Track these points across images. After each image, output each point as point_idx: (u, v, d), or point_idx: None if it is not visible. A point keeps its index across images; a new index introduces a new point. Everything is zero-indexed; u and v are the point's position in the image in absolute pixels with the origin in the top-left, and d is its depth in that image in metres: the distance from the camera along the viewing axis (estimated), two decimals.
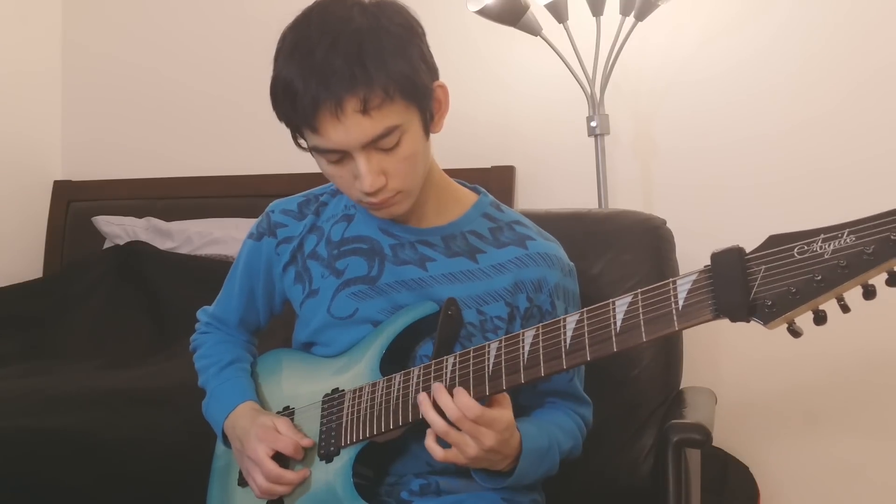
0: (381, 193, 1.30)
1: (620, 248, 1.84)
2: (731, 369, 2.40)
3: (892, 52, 2.31)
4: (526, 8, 2.25)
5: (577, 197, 2.50)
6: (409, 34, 1.28)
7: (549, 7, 2.27)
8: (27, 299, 2.59)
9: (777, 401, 2.40)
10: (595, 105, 2.32)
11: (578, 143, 2.44)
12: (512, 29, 2.27)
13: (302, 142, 1.33)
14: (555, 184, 2.59)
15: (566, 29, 2.29)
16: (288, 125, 1.32)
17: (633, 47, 2.34)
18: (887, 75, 2.31)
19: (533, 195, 2.62)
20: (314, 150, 1.30)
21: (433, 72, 1.32)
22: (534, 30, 2.28)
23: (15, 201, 2.95)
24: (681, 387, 1.88)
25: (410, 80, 1.25)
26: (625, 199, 2.50)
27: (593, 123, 2.32)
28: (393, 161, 1.28)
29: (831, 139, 2.35)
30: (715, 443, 1.86)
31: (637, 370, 1.80)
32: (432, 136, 1.36)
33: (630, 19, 2.26)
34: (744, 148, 2.43)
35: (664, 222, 1.92)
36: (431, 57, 1.32)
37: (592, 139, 2.34)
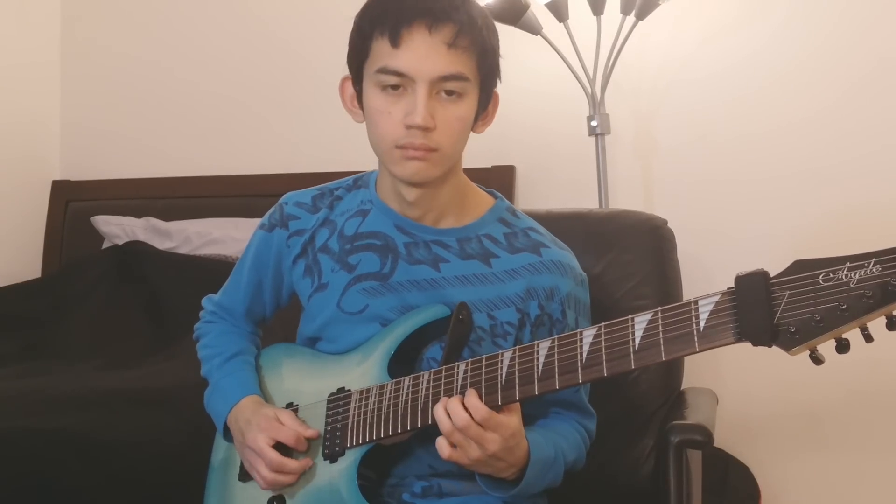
0: (422, 138, 1.29)
1: (621, 248, 1.84)
2: (733, 370, 2.40)
3: (891, 48, 2.31)
4: (526, 7, 2.24)
5: (578, 197, 2.49)
6: (497, 38, 1.37)
7: (549, 6, 2.26)
8: (26, 299, 2.59)
9: (778, 401, 2.40)
10: (595, 104, 2.31)
11: (579, 142, 2.44)
12: (512, 28, 2.26)
13: (354, 89, 1.36)
14: (555, 183, 2.59)
15: (567, 28, 2.29)
16: (362, 40, 1.32)
17: (634, 46, 2.33)
18: (886, 71, 2.31)
19: (533, 195, 2.61)
20: (379, 72, 1.29)
21: (497, 80, 1.39)
22: (534, 29, 2.28)
23: (13, 201, 2.94)
24: (682, 387, 1.87)
25: (491, 55, 1.33)
26: (625, 198, 2.49)
27: (594, 123, 2.31)
28: (446, 115, 1.30)
29: (833, 136, 2.35)
30: (716, 443, 1.85)
31: (638, 371, 1.78)
32: None
33: (631, 18, 2.25)
34: (745, 147, 2.42)
35: (665, 222, 1.91)
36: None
37: (593, 138, 2.34)
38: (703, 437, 1.53)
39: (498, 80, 1.38)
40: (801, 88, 2.38)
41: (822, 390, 2.35)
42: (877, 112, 2.32)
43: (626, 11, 2.25)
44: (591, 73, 2.31)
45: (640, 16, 2.24)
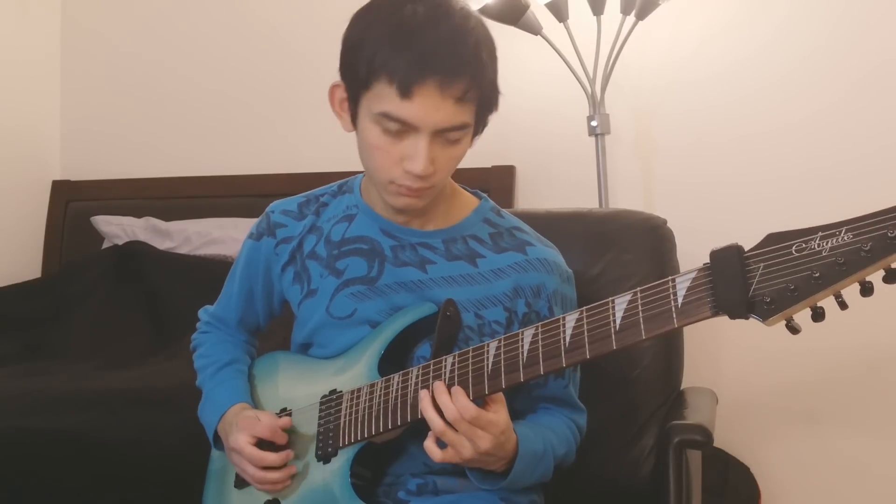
0: (420, 182, 1.30)
1: (621, 247, 1.84)
2: (732, 369, 2.40)
3: (891, 48, 2.31)
4: (526, 7, 2.24)
5: (578, 197, 2.49)
6: (496, 57, 1.33)
7: (549, 6, 2.26)
8: (26, 299, 2.59)
9: (778, 401, 2.40)
10: (596, 104, 2.31)
11: (579, 142, 2.44)
12: (512, 28, 2.26)
13: (354, 105, 1.32)
14: (555, 183, 2.59)
15: (567, 28, 2.29)
16: (366, 72, 1.26)
17: (634, 46, 2.33)
18: (886, 72, 2.31)
19: (533, 195, 2.61)
20: (382, 115, 1.26)
21: None
22: (534, 29, 2.28)
23: (13, 201, 2.95)
24: (682, 387, 1.87)
25: (493, 94, 1.31)
26: (625, 198, 2.49)
27: (594, 123, 2.31)
28: (445, 156, 1.30)
29: (832, 137, 2.35)
30: (716, 443, 1.86)
31: (638, 370, 1.79)
32: None
33: (631, 18, 2.25)
34: (745, 147, 2.42)
35: (665, 222, 1.91)
36: None
37: (593, 139, 2.34)
38: (703, 437, 1.53)
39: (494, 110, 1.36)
40: (801, 89, 2.38)
41: (822, 390, 2.35)
42: (877, 113, 2.32)
43: (626, 11, 2.25)
44: (591, 73, 2.31)
45: (640, 16, 2.24)
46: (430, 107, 1.24)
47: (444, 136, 1.28)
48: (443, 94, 1.23)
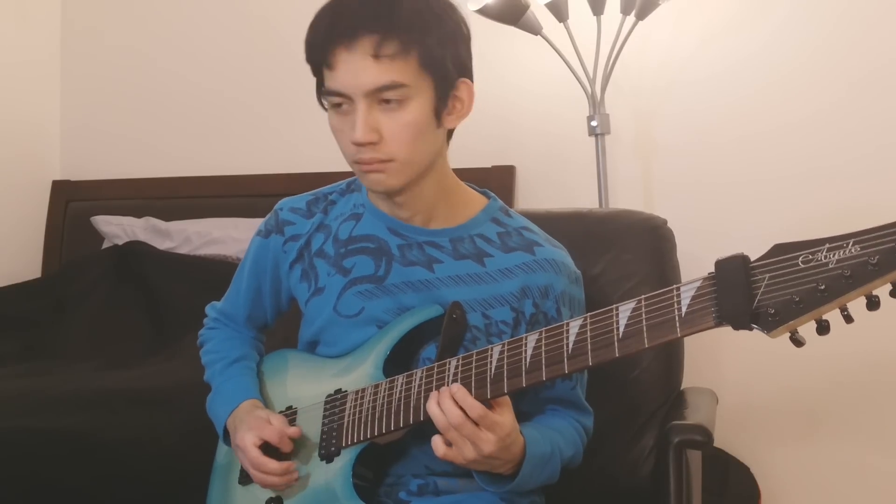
0: (371, 153, 1.30)
1: (621, 248, 1.84)
2: (733, 370, 2.40)
3: (891, 48, 2.31)
4: (526, 7, 2.24)
5: (578, 197, 2.49)
6: (451, 22, 1.33)
7: (549, 6, 2.26)
8: (26, 299, 2.59)
9: (778, 401, 2.40)
10: (596, 104, 2.31)
11: (579, 142, 2.44)
12: (512, 28, 2.26)
13: (323, 101, 1.36)
14: (555, 184, 2.59)
15: (567, 28, 2.29)
16: (313, 68, 1.34)
17: (634, 46, 2.33)
18: (886, 72, 2.31)
19: (533, 195, 2.61)
20: (325, 94, 1.32)
21: (462, 67, 1.35)
22: (534, 29, 2.28)
23: (13, 201, 2.95)
24: (682, 387, 1.87)
25: (433, 51, 1.29)
26: (625, 198, 2.49)
27: (594, 123, 2.31)
28: (392, 123, 1.29)
29: (833, 137, 2.35)
30: (716, 443, 1.86)
31: (638, 371, 1.79)
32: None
33: (631, 18, 2.25)
34: (745, 147, 2.42)
35: (665, 222, 1.91)
36: (468, 58, 1.37)
37: (593, 139, 2.34)
38: (703, 437, 1.53)
39: (456, 72, 1.34)
40: (802, 89, 2.38)
41: (822, 390, 2.35)
42: (877, 112, 2.32)
43: (626, 11, 2.25)
44: (591, 73, 2.31)
45: (640, 16, 2.24)
46: (350, 70, 1.27)
47: (380, 98, 1.28)
48: (352, 53, 1.26)
